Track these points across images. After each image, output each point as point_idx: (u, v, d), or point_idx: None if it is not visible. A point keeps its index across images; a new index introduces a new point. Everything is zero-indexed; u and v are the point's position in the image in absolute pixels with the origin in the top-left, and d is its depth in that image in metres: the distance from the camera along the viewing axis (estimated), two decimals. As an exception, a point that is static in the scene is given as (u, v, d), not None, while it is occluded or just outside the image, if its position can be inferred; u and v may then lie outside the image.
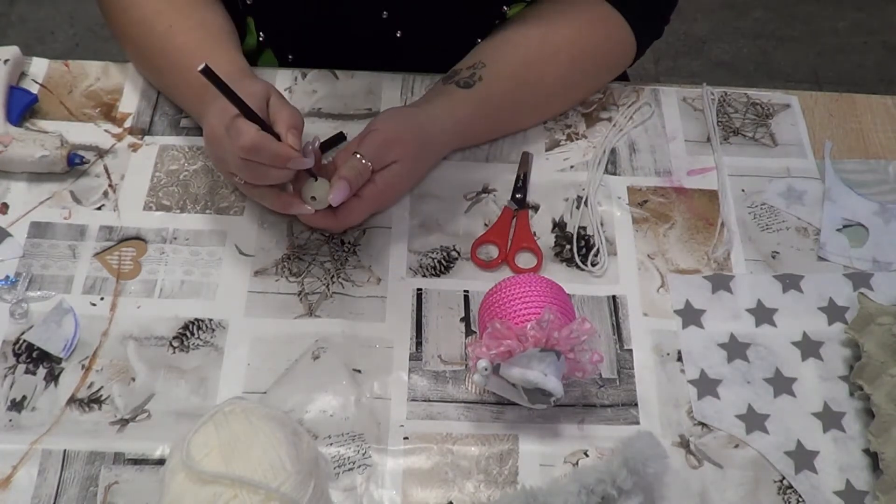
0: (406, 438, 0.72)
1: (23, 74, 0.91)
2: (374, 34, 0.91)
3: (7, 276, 0.78)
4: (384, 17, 0.89)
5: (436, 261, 0.81)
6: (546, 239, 0.83)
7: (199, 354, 0.75)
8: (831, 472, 0.71)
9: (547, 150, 0.89)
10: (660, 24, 0.93)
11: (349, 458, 0.70)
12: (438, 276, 0.81)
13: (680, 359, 0.77)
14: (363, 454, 0.70)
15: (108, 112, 0.90)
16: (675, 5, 0.92)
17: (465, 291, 0.80)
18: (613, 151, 0.89)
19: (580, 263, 0.82)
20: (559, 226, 0.84)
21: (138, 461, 0.69)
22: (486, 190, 0.86)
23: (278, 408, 0.70)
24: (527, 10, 0.88)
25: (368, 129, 0.79)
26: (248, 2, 0.89)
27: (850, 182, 0.88)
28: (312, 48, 0.94)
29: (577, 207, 0.85)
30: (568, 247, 0.83)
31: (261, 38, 0.94)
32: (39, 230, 0.81)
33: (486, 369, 0.67)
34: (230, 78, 0.72)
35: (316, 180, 0.76)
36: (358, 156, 0.76)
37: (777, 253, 0.83)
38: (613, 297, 0.80)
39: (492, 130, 0.88)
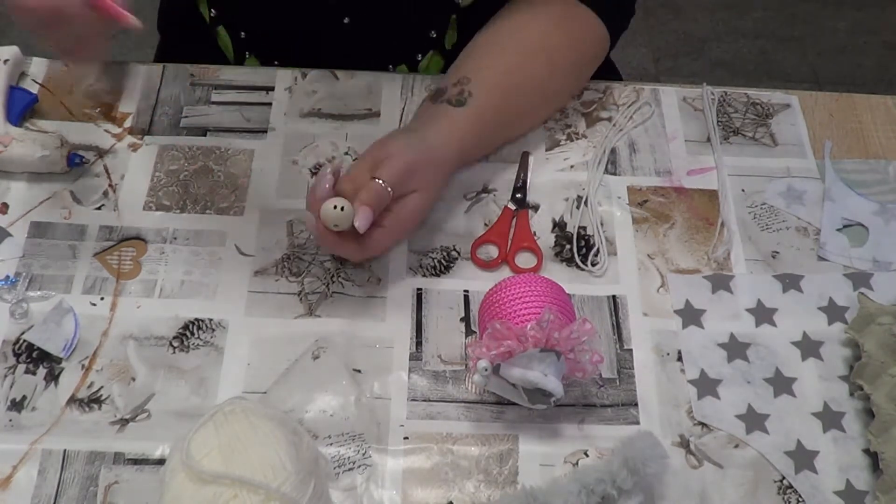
0: (406, 438, 0.72)
1: (23, 74, 0.91)
2: (320, 22, 0.91)
3: (7, 276, 0.78)
4: (331, 2, 0.89)
5: (436, 261, 0.81)
6: (546, 239, 0.83)
7: (199, 354, 0.75)
8: (831, 472, 0.71)
9: (547, 150, 0.89)
10: (627, 11, 0.93)
11: (349, 458, 0.70)
12: (438, 276, 0.81)
13: (680, 359, 0.77)
14: (363, 454, 0.70)
15: (108, 112, 0.90)
16: None
17: (465, 291, 0.80)
18: (613, 151, 0.89)
19: (580, 263, 0.82)
20: (559, 226, 0.84)
21: (138, 461, 0.69)
22: (486, 190, 0.86)
23: (278, 408, 0.71)
24: (496, 16, 0.88)
25: (382, 153, 0.76)
26: None
27: (850, 182, 0.88)
28: (265, 28, 0.94)
29: (577, 207, 0.85)
30: (568, 247, 0.83)
31: (212, 14, 0.94)
32: (39, 230, 0.81)
33: (486, 370, 0.67)
34: None
35: (340, 209, 0.73)
36: (379, 181, 0.74)
37: (777, 253, 0.83)
38: (613, 297, 0.80)
39: (487, 145, 0.87)
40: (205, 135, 0.88)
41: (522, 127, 0.89)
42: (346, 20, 0.90)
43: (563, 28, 0.88)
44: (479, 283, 0.79)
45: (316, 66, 0.93)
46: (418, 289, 0.79)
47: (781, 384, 0.76)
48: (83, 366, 0.74)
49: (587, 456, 0.71)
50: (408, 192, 0.76)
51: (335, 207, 0.72)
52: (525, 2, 0.87)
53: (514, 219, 0.84)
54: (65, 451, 0.70)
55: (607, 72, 0.95)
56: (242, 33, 0.96)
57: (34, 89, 0.90)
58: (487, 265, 0.81)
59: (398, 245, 0.82)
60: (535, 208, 0.85)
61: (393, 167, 0.75)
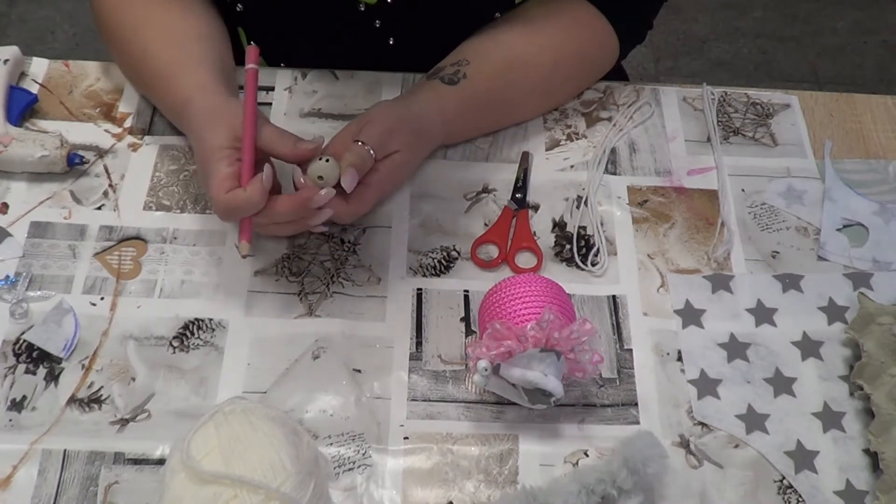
0: (406, 438, 0.72)
1: (23, 74, 0.91)
2: (366, 42, 0.91)
3: (7, 276, 0.78)
4: (377, 26, 0.89)
5: (436, 261, 0.81)
6: (546, 239, 0.83)
7: (199, 354, 0.75)
8: (831, 472, 0.71)
9: (547, 150, 0.89)
10: (643, 29, 0.93)
11: (349, 458, 0.70)
12: (438, 275, 0.81)
13: (680, 359, 0.77)
14: (363, 454, 0.70)
15: (108, 112, 0.90)
16: (659, 10, 0.93)
17: (465, 291, 0.80)
18: (613, 151, 0.89)
19: (580, 263, 0.82)
20: (559, 226, 0.84)
21: (138, 461, 0.69)
22: (486, 190, 0.86)
23: (278, 408, 0.70)
24: (512, 11, 0.88)
25: (365, 119, 0.78)
26: (238, 9, 0.89)
27: (850, 182, 0.88)
28: (303, 56, 0.94)
29: (577, 207, 0.85)
30: (568, 247, 0.83)
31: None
32: (39, 230, 0.81)
33: (486, 370, 0.67)
34: (196, 96, 0.76)
35: (325, 161, 0.74)
36: (361, 143, 0.76)
37: (777, 253, 0.83)
38: (613, 296, 0.80)
39: (475, 128, 0.88)
40: (205, 135, 0.88)
41: (516, 117, 0.90)
42: (391, 41, 0.91)
43: (573, 33, 0.88)
44: (479, 283, 0.79)
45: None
46: (418, 289, 0.79)
47: (781, 384, 0.76)
48: (83, 366, 0.74)
49: (587, 456, 0.71)
50: (389, 152, 0.78)
51: (320, 159, 0.74)
52: (543, 2, 0.88)
53: (514, 219, 0.84)
54: (65, 451, 0.70)
55: (614, 72, 0.95)
56: (282, 63, 0.95)
57: (34, 89, 0.90)
58: (487, 265, 0.81)
59: (397, 244, 0.82)
60: (535, 208, 0.85)
61: (374, 129, 0.77)
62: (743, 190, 0.87)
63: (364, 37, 0.90)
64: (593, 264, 0.82)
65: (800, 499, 0.70)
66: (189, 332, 0.76)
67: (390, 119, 0.78)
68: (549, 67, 0.87)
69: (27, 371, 0.73)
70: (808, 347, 0.77)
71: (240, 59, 0.82)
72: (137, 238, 0.81)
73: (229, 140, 0.73)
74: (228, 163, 0.72)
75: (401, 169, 0.80)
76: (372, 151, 0.76)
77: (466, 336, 0.77)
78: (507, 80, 0.85)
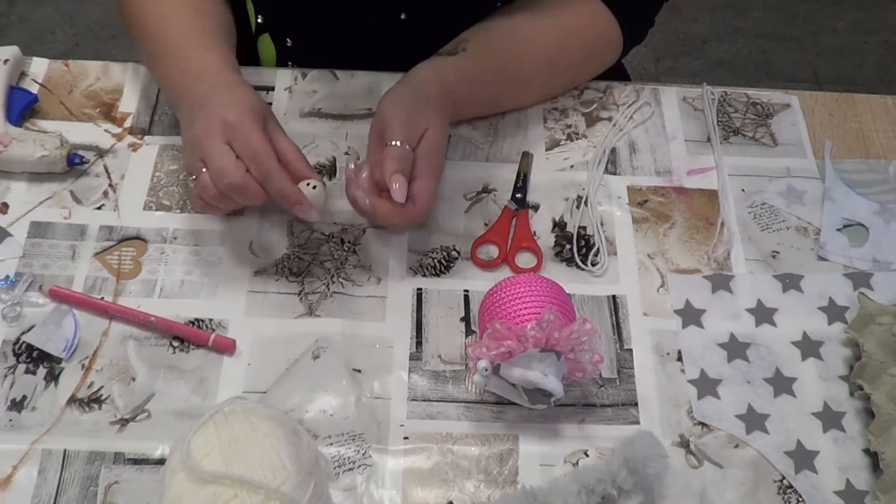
0: (406, 438, 0.72)
1: (23, 74, 0.91)
2: (381, 30, 0.90)
3: (7, 276, 0.78)
4: (402, 18, 0.89)
5: (436, 261, 0.81)
6: (546, 239, 0.83)
7: (199, 354, 0.75)
8: (831, 472, 0.71)
9: (547, 150, 0.89)
10: (645, 25, 0.93)
11: (349, 458, 0.70)
12: (438, 275, 0.81)
13: (680, 359, 0.77)
14: (363, 454, 0.70)
15: (108, 112, 0.90)
16: (660, 9, 0.93)
17: (465, 291, 0.80)
18: (613, 151, 0.89)
19: (580, 263, 0.82)
20: (559, 225, 0.84)
21: (138, 461, 0.69)
22: (486, 190, 0.86)
23: (278, 408, 0.70)
24: (518, 2, 0.88)
25: (380, 121, 0.77)
26: None
27: (850, 182, 0.88)
28: (311, 34, 0.93)
29: (577, 207, 0.85)
30: (568, 246, 0.83)
31: (259, 21, 0.94)
32: (39, 230, 0.81)
33: (486, 370, 0.67)
34: (220, 74, 0.74)
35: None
36: (395, 143, 0.75)
37: (777, 253, 0.83)
38: (613, 296, 0.80)
39: (478, 100, 0.87)
40: (205, 135, 0.88)
41: (518, 96, 0.90)
42: (402, 16, 0.90)
43: (576, 22, 0.88)
44: (479, 283, 0.79)
45: (367, 67, 0.93)
46: (418, 289, 0.79)
47: (781, 384, 0.76)
48: (83, 366, 0.74)
49: (587, 456, 0.71)
50: (420, 133, 0.77)
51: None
52: None
53: (514, 219, 0.84)
54: (65, 451, 0.70)
55: (615, 72, 0.95)
56: (288, 41, 0.95)
57: (34, 89, 0.90)
58: (487, 265, 0.81)
59: (397, 244, 0.82)
60: (535, 208, 0.85)
61: (396, 124, 0.76)
62: (743, 190, 0.87)
63: (373, 13, 0.90)
64: (593, 264, 0.82)
65: (800, 499, 0.70)
66: (189, 332, 0.76)
67: (403, 104, 0.77)
68: (554, 49, 0.87)
69: (27, 371, 0.73)
70: (808, 347, 0.77)
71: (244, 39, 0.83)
72: (137, 238, 0.81)
73: (262, 112, 0.74)
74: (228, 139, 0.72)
75: (440, 142, 0.78)
76: (406, 146, 0.75)
77: (466, 336, 0.77)
78: (507, 57, 0.85)
